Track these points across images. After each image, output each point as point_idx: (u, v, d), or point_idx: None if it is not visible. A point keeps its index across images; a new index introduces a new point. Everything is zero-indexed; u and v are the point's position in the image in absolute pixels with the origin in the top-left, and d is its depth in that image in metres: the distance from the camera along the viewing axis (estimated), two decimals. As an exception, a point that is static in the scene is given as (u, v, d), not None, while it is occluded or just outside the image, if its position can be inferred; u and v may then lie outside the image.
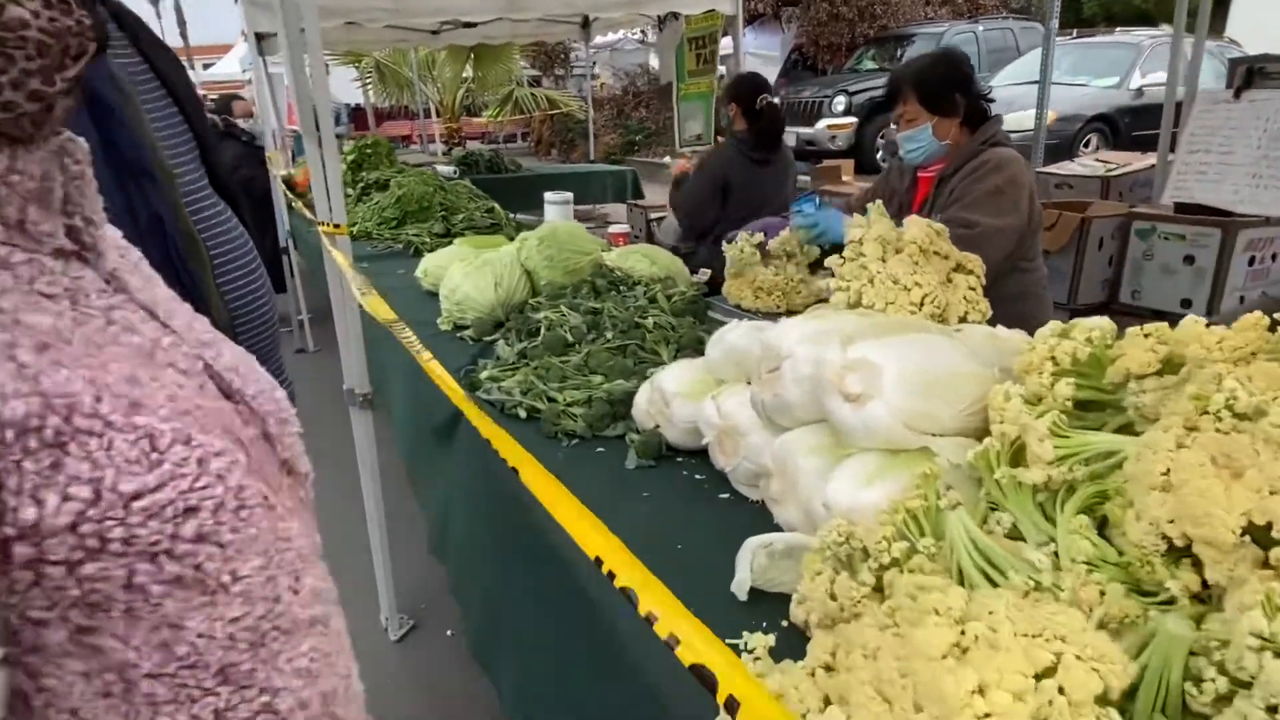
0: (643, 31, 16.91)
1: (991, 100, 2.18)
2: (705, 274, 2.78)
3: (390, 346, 2.55)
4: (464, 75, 11.04)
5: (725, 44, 6.09)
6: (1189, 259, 2.79)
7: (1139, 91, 8.11)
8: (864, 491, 1.10)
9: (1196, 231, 2.74)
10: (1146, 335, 1.07)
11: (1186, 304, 2.83)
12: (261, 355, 1.35)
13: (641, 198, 7.63)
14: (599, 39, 10.55)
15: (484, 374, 1.98)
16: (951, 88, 2.17)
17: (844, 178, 5.89)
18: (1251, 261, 2.73)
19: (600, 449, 1.64)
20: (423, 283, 2.99)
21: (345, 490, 3.36)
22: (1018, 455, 1.09)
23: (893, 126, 2.28)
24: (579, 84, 17.03)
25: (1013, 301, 1.50)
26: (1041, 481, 1.00)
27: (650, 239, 5.59)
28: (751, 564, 1.15)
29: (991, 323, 1.44)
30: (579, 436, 1.67)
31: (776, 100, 3.42)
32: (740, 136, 3.51)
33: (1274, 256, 2.77)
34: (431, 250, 3.61)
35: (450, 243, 3.51)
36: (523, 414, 1.78)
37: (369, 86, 11.72)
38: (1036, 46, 10.97)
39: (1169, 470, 0.89)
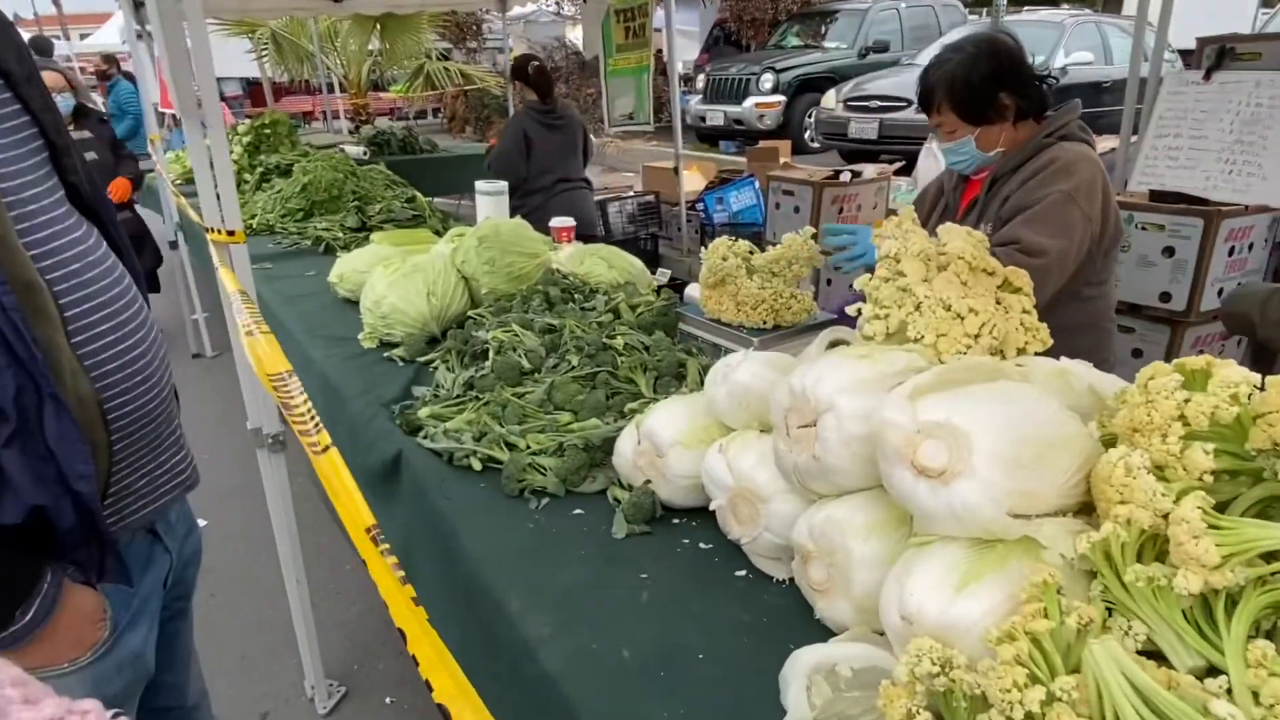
0: (558, 3, 16.34)
1: (1052, 81, 1.83)
2: (666, 274, 2.50)
3: (305, 363, 2.18)
4: (370, 47, 10.33)
5: (655, 18, 5.77)
6: (1169, 250, 2.68)
7: (1063, 70, 8.21)
8: (958, 601, 0.84)
9: (1177, 221, 2.62)
10: (1296, 388, 0.85)
11: (1165, 298, 2.72)
12: (148, 441, 0.98)
13: (568, 179, 7.27)
14: (514, 10, 10.04)
15: (424, 411, 1.64)
16: (994, 90, 1.74)
17: (781, 159, 5.69)
18: (1231, 252, 2.64)
19: (578, 510, 1.35)
20: (338, 289, 2.60)
21: (258, 536, 2.97)
22: (1144, 544, 0.86)
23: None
24: (492, 57, 16.35)
25: (1069, 335, 1.24)
26: (1198, 590, 0.77)
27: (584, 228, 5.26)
28: (810, 694, 0.89)
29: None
30: (550, 495, 1.37)
31: (539, 63, 4.42)
32: (531, 104, 4.33)
33: (1250, 246, 2.70)
34: (345, 247, 3.22)
35: (367, 239, 3.12)
36: (477, 465, 1.46)
37: (265, 59, 10.83)
38: (957, 24, 11.07)
39: (1403, 593, 0.67)
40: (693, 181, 6.05)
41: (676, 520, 1.31)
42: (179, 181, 5.02)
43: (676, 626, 1.06)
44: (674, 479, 1.28)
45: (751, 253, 1.80)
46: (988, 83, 1.76)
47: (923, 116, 1.94)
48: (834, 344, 1.35)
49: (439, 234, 3.15)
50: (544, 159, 4.24)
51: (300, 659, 2.22)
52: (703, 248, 1.83)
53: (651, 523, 1.29)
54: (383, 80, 15.17)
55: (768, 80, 10.35)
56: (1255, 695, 0.71)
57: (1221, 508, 0.86)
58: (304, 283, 2.90)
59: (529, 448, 1.45)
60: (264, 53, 10.61)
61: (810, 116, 10.37)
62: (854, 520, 1.01)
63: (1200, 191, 2.68)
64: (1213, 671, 0.76)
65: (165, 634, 1.12)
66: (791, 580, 1.13)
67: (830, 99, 9.48)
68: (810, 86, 10.42)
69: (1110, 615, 0.84)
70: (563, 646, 1.03)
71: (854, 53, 10.95)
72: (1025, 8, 14.86)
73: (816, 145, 10.21)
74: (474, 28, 16.06)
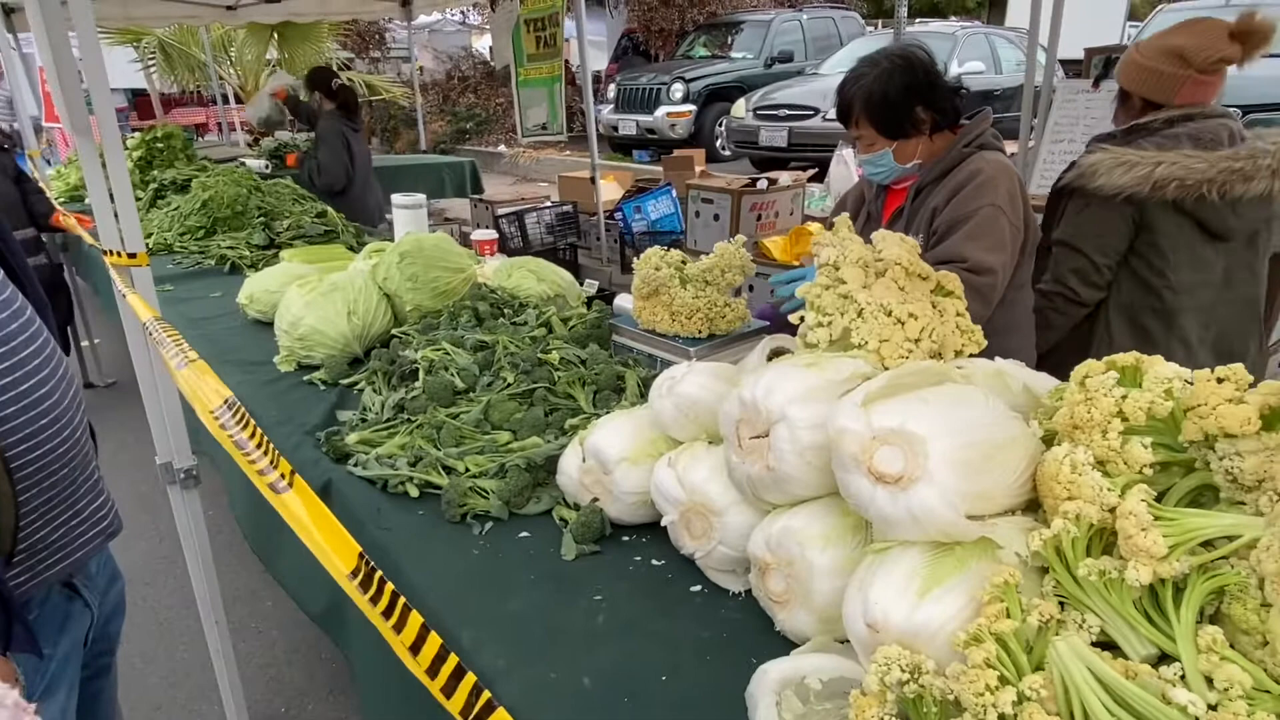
0: (463, 12, 16.12)
1: (963, 93, 1.88)
2: (594, 285, 2.48)
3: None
4: (268, 57, 9.93)
5: (566, 28, 5.75)
6: (1069, 249, 2.84)
7: (958, 79, 8.60)
8: (923, 606, 0.85)
9: (1076, 222, 2.78)
10: (1221, 381, 0.89)
11: (1068, 294, 2.88)
12: (61, 490, 0.88)
13: (482, 191, 7.16)
14: (419, 19, 9.83)
15: (352, 436, 1.57)
16: (911, 103, 1.76)
17: (696, 168, 5.75)
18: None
19: (524, 533, 1.30)
20: (247, 310, 2.47)
21: (167, 577, 2.78)
22: (1092, 538, 0.89)
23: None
24: (396, 67, 15.99)
25: (997, 337, 1.28)
26: (1149, 580, 0.80)
27: (500, 239, 5.17)
28: (780, 710, 0.88)
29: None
30: (494, 518, 1.33)
31: (346, 82, 4.81)
32: (334, 114, 4.73)
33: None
34: (253, 266, 3.07)
35: (276, 257, 2.98)
36: (414, 492, 1.40)
37: (152, 70, 10.26)
38: (856, 35, 11.46)
39: (1338, 574, 0.71)
40: (609, 191, 6.05)
41: (626, 538, 1.28)
42: (62, 199, 4.70)
43: (635, 649, 1.04)
44: (622, 496, 1.26)
45: (684, 262, 1.79)
46: (903, 97, 1.78)
47: (831, 125, 1.98)
48: (775, 352, 1.36)
49: (354, 249, 3.04)
50: (359, 160, 4.75)
51: (222, 706, 2.08)
52: (635, 258, 1.82)
53: (601, 542, 1.26)
54: (281, 91, 14.61)
55: (678, 90, 10.48)
56: (1208, 680, 0.74)
57: (1158, 498, 0.89)
58: (210, 304, 2.74)
59: (468, 470, 1.40)
60: (151, 63, 10.06)
61: (721, 125, 10.55)
62: (811, 530, 1.00)
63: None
64: (1164, 659, 0.79)
65: (87, 694, 1.02)
66: (748, 593, 1.12)
67: (740, 108, 9.67)
68: (719, 96, 10.60)
69: (1063, 609, 0.86)
70: (520, 678, 0.99)
71: (760, 63, 11.21)
72: (918, 20, 15.56)
73: (728, 153, 10.38)
74: (377, 37, 15.67)
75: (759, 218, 4.32)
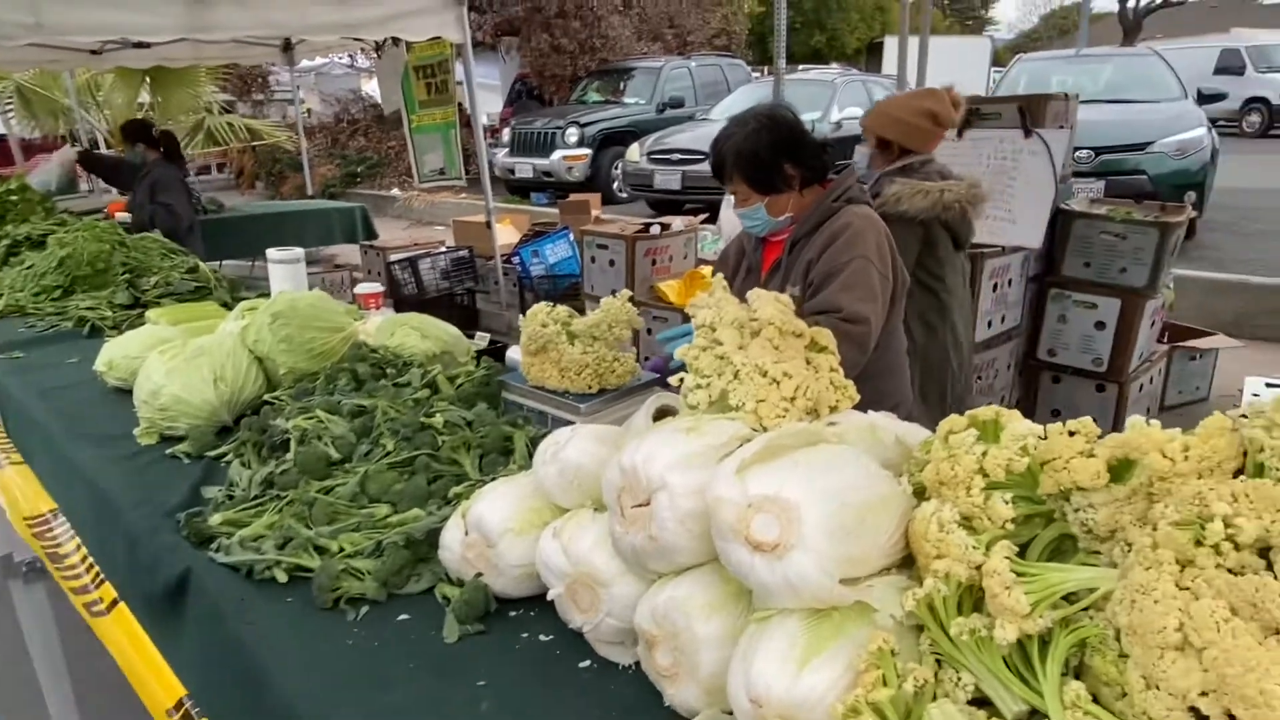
0: (351, 55, 15.86)
1: (830, 146, 1.98)
2: (485, 339, 2.43)
3: (68, 470, 1.88)
4: (141, 100, 9.46)
5: (457, 72, 5.72)
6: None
7: (838, 124, 9.07)
8: (804, 676, 0.84)
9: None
10: (1072, 434, 0.93)
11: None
12: None
13: (375, 236, 6.98)
14: (304, 63, 9.60)
15: (216, 517, 1.46)
16: (779, 160, 1.85)
17: (593, 212, 5.78)
18: (995, 288, 2.98)
19: (403, 615, 1.23)
20: (107, 378, 2.29)
21: (14, 673, 2.48)
22: (962, 595, 0.90)
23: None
24: (281, 110, 15.56)
25: (872, 381, 1.32)
26: (1015, 638, 0.81)
27: (393, 286, 5.04)
28: (668, 797, 0.84)
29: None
30: (371, 601, 1.25)
31: (166, 130, 5.41)
32: (163, 162, 5.05)
33: (1010, 282, 3.07)
34: (115, 328, 2.86)
35: (142, 317, 2.79)
36: (283, 577, 1.30)
37: (9, 115, 9.60)
38: (743, 82, 11.92)
39: (1182, 625, 0.74)
40: (506, 234, 6.01)
41: (514, 612, 1.23)
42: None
43: (522, 738, 0.99)
44: (507, 570, 1.21)
45: (572, 317, 1.78)
46: (771, 154, 1.86)
47: None
48: (661, 411, 1.35)
49: (228, 306, 2.88)
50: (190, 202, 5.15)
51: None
52: (535, 302, 1.78)
53: (486, 619, 1.21)
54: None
55: (572, 134, 10.59)
56: (1075, 736, 0.75)
57: (1022, 549, 0.92)
58: (64, 372, 2.53)
59: (342, 550, 1.32)
60: (8, 108, 9.42)
61: (616, 168, 10.71)
62: (695, 599, 0.99)
63: (962, 235, 3.01)
64: (1036, 713, 0.80)
65: None
66: (638, 665, 1.09)
67: (634, 152, 9.85)
68: (613, 140, 10.79)
69: (941, 667, 0.87)
70: (395, 784, 0.92)
71: (652, 108, 11.50)
72: (800, 67, 16.32)
73: (625, 195, 10.54)
74: (260, 80, 15.22)
75: (654, 262, 4.37)
